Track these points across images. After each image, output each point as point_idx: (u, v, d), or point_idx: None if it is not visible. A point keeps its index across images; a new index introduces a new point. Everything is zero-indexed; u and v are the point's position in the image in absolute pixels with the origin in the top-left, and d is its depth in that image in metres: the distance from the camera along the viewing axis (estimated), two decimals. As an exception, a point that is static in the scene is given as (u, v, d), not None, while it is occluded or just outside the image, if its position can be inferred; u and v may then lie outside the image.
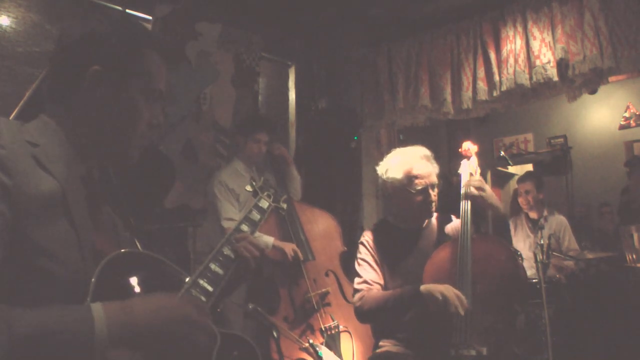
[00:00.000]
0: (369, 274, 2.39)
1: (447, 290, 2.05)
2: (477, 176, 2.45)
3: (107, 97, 1.11)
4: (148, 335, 0.93)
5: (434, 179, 2.41)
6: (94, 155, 1.16)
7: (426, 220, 2.52)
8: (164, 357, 0.95)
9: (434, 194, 2.41)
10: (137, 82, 1.14)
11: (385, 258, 2.43)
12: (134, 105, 1.14)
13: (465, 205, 2.36)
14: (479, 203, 2.35)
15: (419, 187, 2.37)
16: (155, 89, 1.17)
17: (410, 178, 2.38)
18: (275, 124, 4.47)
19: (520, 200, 4.53)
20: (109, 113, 1.12)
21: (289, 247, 3.20)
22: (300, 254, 3.20)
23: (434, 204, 2.41)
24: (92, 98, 1.11)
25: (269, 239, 3.20)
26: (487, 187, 2.37)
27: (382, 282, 2.38)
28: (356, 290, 2.40)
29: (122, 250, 1.09)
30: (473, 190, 2.34)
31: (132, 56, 1.14)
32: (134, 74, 1.14)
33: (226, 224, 3.26)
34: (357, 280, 2.43)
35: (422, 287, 2.12)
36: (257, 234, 3.21)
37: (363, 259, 2.45)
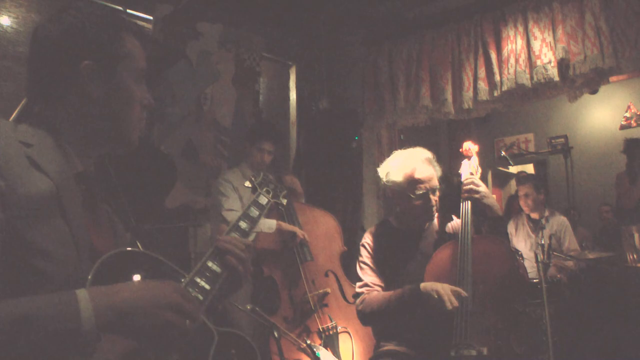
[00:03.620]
0: (369, 277, 2.40)
1: (442, 288, 2.06)
2: (475, 176, 2.44)
3: (103, 87, 1.14)
4: (134, 318, 0.93)
5: (435, 183, 2.38)
6: (92, 150, 1.18)
7: (427, 222, 2.52)
8: (150, 340, 0.96)
9: (434, 198, 2.38)
10: (125, 66, 1.17)
11: (387, 259, 2.42)
12: (128, 89, 1.17)
13: (465, 206, 2.35)
14: (474, 202, 2.35)
15: (420, 192, 2.34)
16: (139, 68, 1.20)
17: (411, 182, 2.35)
18: (274, 124, 4.47)
19: (521, 203, 4.53)
20: (107, 102, 1.14)
21: (298, 229, 3.20)
22: (306, 238, 3.21)
23: (434, 207, 2.39)
24: (89, 91, 1.13)
25: (271, 222, 3.18)
26: (484, 187, 2.36)
27: (382, 284, 2.38)
28: (357, 294, 2.41)
29: (119, 249, 1.09)
30: (469, 188, 2.33)
31: (115, 43, 1.16)
32: (121, 59, 1.16)
33: (226, 215, 3.26)
34: (358, 283, 2.44)
35: (422, 285, 2.13)
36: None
37: (364, 262, 2.45)
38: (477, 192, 2.33)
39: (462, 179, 2.48)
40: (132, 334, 0.94)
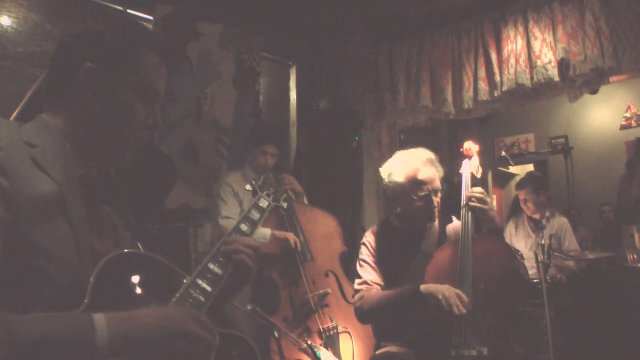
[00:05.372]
0: (369, 275, 2.39)
1: (448, 291, 2.04)
2: (479, 188, 2.40)
3: (101, 94, 1.12)
4: (149, 346, 0.94)
5: (437, 184, 2.37)
6: (91, 153, 1.16)
7: (428, 222, 2.51)
8: None
9: (436, 199, 2.37)
10: (132, 80, 1.14)
11: (387, 259, 2.42)
12: (128, 103, 1.13)
13: (466, 209, 2.34)
14: (478, 215, 2.34)
15: (422, 193, 2.33)
16: (152, 88, 1.16)
17: (413, 183, 2.34)
18: (275, 124, 4.46)
19: (522, 206, 4.52)
20: (102, 110, 1.12)
21: (291, 235, 3.19)
22: (299, 244, 3.20)
23: (436, 209, 2.39)
24: (86, 95, 1.11)
25: (266, 231, 3.18)
26: (489, 200, 2.34)
27: (382, 282, 2.37)
28: (356, 291, 2.40)
29: (121, 251, 1.09)
30: (474, 203, 2.31)
31: (128, 54, 1.14)
32: (129, 72, 1.13)
33: (223, 222, 3.26)
34: (357, 281, 2.43)
35: (422, 287, 2.12)
36: None
37: (364, 260, 2.45)
38: (485, 202, 2.31)
39: (463, 178, 2.48)
40: (146, 359, 0.94)
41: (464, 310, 2.01)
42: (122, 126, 1.13)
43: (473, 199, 2.32)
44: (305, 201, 3.62)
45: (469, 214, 2.32)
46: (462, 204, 2.37)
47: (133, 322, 0.93)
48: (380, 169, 2.52)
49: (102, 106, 1.12)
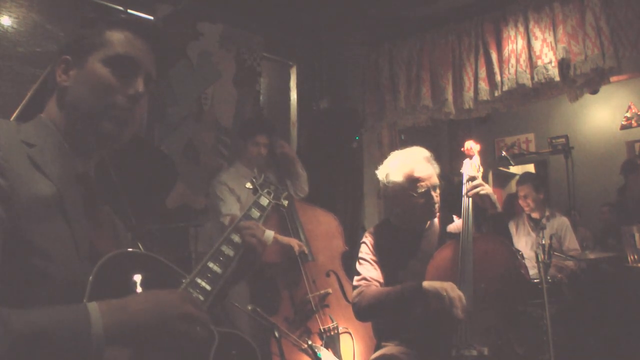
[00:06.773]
0: (369, 272, 2.38)
1: (452, 290, 2.05)
2: (479, 178, 2.43)
3: (74, 78, 1.14)
4: (145, 332, 0.94)
5: (435, 181, 2.39)
6: (86, 141, 1.15)
7: (428, 222, 2.52)
8: (162, 352, 0.96)
9: (435, 195, 2.39)
10: (98, 55, 1.15)
11: (388, 259, 2.42)
12: (103, 75, 1.13)
13: (467, 203, 2.36)
14: (479, 203, 2.35)
15: (421, 190, 2.35)
16: (121, 56, 1.15)
17: (411, 181, 2.36)
18: (275, 124, 4.47)
19: (521, 203, 4.52)
20: (81, 90, 1.13)
21: (295, 242, 3.18)
22: (305, 249, 3.19)
23: (436, 205, 2.40)
24: (62, 84, 1.14)
25: (269, 233, 3.16)
26: (487, 186, 2.37)
27: (382, 280, 2.37)
28: (355, 288, 2.39)
29: (120, 250, 1.09)
30: (477, 184, 2.36)
31: (93, 36, 1.17)
32: (94, 49, 1.15)
33: (226, 220, 3.25)
34: (356, 278, 2.42)
35: (425, 283, 2.11)
36: None
37: (364, 258, 2.45)
38: (484, 188, 2.34)
39: (465, 178, 2.49)
40: (143, 346, 0.94)
41: (462, 316, 2.02)
42: (101, 98, 1.12)
43: (469, 191, 2.36)
44: (300, 169, 3.61)
45: (470, 205, 2.34)
46: (462, 203, 2.38)
47: (127, 309, 0.93)
48: (377, 171, 2.52)
49: (77, 86, 1.13)
